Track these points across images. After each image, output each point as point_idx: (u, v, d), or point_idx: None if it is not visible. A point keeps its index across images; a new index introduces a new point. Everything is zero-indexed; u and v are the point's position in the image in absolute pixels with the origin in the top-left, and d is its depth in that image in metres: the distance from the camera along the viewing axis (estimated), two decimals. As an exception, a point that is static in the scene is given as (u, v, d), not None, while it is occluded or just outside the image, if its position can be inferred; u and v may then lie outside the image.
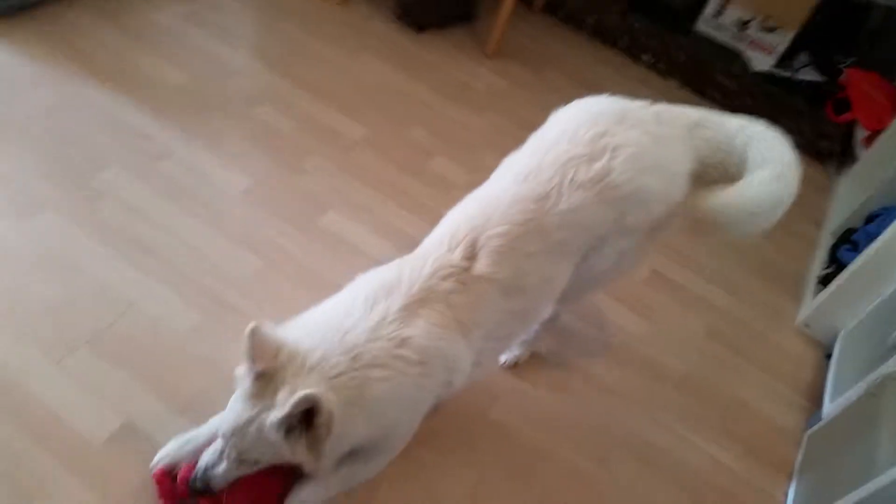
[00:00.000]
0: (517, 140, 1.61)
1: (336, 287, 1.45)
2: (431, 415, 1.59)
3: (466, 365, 1.49)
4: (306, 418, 1.25)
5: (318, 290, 1.47)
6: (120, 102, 2.27)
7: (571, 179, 1.45)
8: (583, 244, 1.52)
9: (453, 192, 1.61)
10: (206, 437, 1.53)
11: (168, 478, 1.47)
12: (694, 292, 2.36)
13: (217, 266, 1.93)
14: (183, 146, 2.21)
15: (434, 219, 1.56)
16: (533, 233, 1.45)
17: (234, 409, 1.32)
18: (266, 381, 1.28)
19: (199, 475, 1.41)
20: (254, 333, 1.26)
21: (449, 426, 1.77)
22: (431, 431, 1.69)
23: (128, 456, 1.53)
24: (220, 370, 1.70)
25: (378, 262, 1.50)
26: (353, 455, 1.56)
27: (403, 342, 1.36)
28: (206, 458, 1.42)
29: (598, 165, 1.45)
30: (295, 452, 1.29)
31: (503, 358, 1.94)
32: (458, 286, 1.43)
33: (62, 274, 1.80)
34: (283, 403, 1.23)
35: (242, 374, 1.32)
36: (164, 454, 1.52)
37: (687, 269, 2.43)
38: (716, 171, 1.65)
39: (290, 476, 1.50)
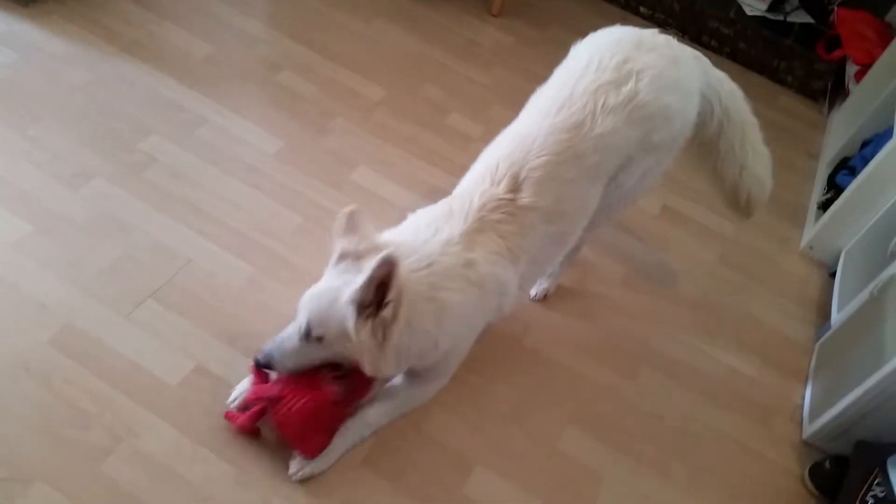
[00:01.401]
0: (526, 93, 1.73)
1: None
2: (476, 343, 1.74)
3: (514, 289, 1.64)
4: (378, 304, 1.37)
5: None
6: (152, 75, 2.39)
7: (603, 105, 1.57)
8: (614, 166, 1.66)
9: (470, 145, 1.74)
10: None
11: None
12: (703, 224, 2.51)
13: (262, 222, 2.06)
14: (215, 113, 2.33)
15: (454, 169, 1.69)
16: (570, 160, 1.58)
17: (316, 284, 1.47)
18: (351, 262, 1.42)
19: (265, 349, 1.53)
20: (351, 215, 1.42)
21: (489, 354, 1.92)
22: (475, 359, 1.84)
23: (202, 395, 1.67)
24: (279, 315, 1.84)
25: (408, 211, 1.63)
26: (411, 377, 1.72)
27: (469, 264, 1.49)
28: (278, 337, 1.53)
29: (625, 89, 1.58)
30: (360, 334, 1.39)
31: (533, 292, 2.08)
32: (507, 217, 1.56)
33: (119, 235, 1.93)
34: (364, 272, 1.34)
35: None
36: (240, 390, 1.66)
37: (695, 203, 2.57)
38: (706, 106, 1.80)
39: (345, 406, 1.62)
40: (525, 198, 1.56)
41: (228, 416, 1.62)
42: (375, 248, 1.43)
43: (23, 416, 1.55)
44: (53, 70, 2.31)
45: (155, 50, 2.48)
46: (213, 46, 2.57)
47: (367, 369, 1.47)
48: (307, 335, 1.48)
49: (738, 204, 1.95)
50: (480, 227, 1.54)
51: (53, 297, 1.76)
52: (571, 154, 1.58)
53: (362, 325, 1.40)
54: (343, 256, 1.46)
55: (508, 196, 1.56)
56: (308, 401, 1.52)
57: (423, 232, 1.54)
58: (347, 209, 1.43)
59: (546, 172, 1.57)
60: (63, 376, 1.63)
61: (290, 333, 1.52)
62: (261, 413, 1.58)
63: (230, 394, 1.66)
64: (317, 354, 1.52)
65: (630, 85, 1.60)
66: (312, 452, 1.57)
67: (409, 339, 1.46)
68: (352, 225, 1.45)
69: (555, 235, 1.65)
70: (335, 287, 1.43)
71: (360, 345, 1.42)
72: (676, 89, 1.68)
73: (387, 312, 1.38)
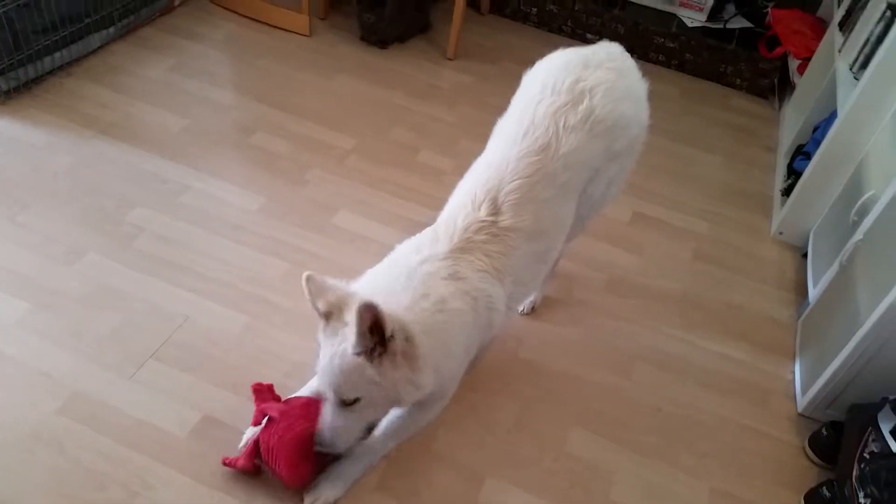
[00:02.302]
0: (490, 125, 1.83)
1: (359, 272, 1.63)
2: (473, 364, 1.80)
3: (503, 307, 1.69)
4: (380, 341, 1.41)
5: (346, 277, 1.58)
6: (131, 152, 2.49)
7: (564, 125, 1.66)
8: (583, 180, 1.75)
9: (443, 178, 1.84)
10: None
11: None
12: (675, 225, 2.61)
13: (251, 273, 2.14)
14: (196, 180, 2.42)
15: (431, 202, 1.78)
16: (542, 181, 1.66)
17: (320, 357, 1.49)
18: (336, 320, 1.45)
19: (322, 441, 1.54)
20: (309, 280, 1.44)
21: (488, 370, 1.98)
22: (474, 377, 1.91)
23: (212, 442, 1.72)
24: (278, 358, 1.92)
25: (391, 247, 1.69)
26: (414, 404, 1.76)
27: (460, 277, 1.56)
28: (324, 423, 1.55)
29: (581, 108, 1.68)
30: (383, 374, 1.43)
31: (521, 306, 2.16)
32: (491, 238, 1.63)
33: (116, 303, 2.00)
34: (350, 325, 1.39)
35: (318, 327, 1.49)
36: (248, 438, 1.69)
37: (664, 206, 2.67)
38: None
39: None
40: (506, 220, 1.64)
41: (227, 463, 1.65)
42: (350, 296, 1.47)
43: (41, 484, 1.59)
44: (36, 158, 2.40)
45: (132, 129, 2.60)
46: (187, 119, 2.68)
47: (412, 396, 1.53)
48: (344, 404, 1.51)
49: None
50: (466, 246, 1.61)
51: (58, 369, 1.81)
52: (543, 175, 1.66)
53: (381, 365, 1.44)
54: (327, 317, 1.48)
55: (490, 219, 1.64)
56: (306, 427, 1.57)
57: (407, 259, 1.61)
58: (303, 277, 1.45)
59: (522, 194, 1.65)
60: (75, 442, 1.67)
61: (330, 414, 1.54)
62: (255, 448, 1.62)
63: (241, 439, 1.70)
64: (366, 415, 1.56)
65: (585, 103, 1.70)
66: (298, 481, 1.60)
67: (431, 348, 1.51)
68: (315, 288, 1.47)
69: (538, 254, 1.73)
70: (337, 350, 1.45)
71: (392, 382, 1.46)
72: (629, 98, 1.79)
73: (396, 344, 1.43)
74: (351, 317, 1.40)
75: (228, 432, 1.73)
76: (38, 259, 2.07)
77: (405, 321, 1.45)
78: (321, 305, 1.47)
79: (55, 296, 1.99)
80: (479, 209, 1.65)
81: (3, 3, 2.50)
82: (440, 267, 1.57)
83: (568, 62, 1.79)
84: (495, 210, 1.64)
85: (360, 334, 1.39)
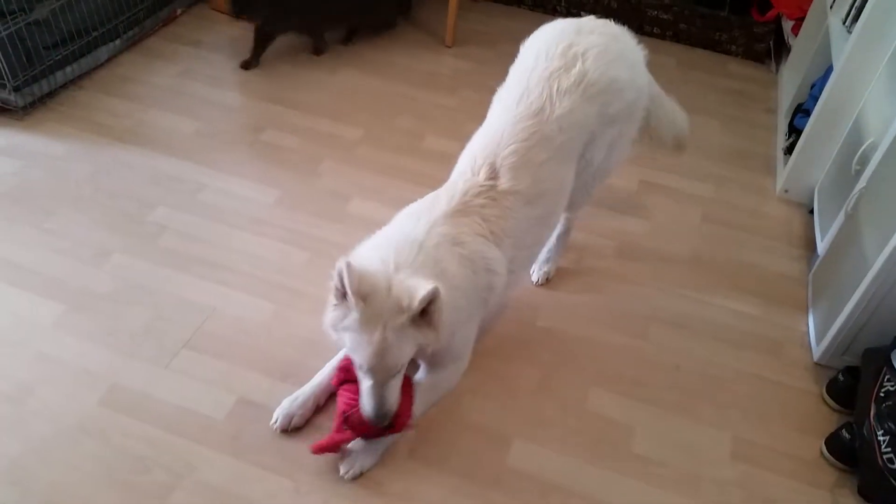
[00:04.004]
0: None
1: None
2: (483, 335, 1.86)
3: (503, 269, 1.75)
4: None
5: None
6: (148, 156, 2.57)
7: (558, 88, 1.73)
8: (580, 143, 1.81)
9: (450, 161, 1.88)
10: (312, 391, 1.80)
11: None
12: (681, 190, 2.66)
13: (274, 263, 2.21)
14: (212, 178, 2.50)
15: (440, 185, 1.82)
16: (538, 144, 1.73)
17: (360, 343, 1.50)
18: (370, 303, 1.47)
19: (374, 414, 1.57)
20: (349, 268, 1.45)
21: (506, 339, 2.05)
22: (494, 346, 1.98)
23: (249, 422, 1.79)
24: (305, 341, 1.99)
25: None
26: (432, 367, 1.82)
27: (456, 241, 1.63)
28: (366, 401, 1.57)
29: (574, 71, 1.74)
30: (425, 335, 1.51)
31: (535, 277, 2.21)
32: (489, 201, 1.70)
33: (145, 299, 2.07)
34: (410, 303, 1.44)
35: (342, 312, 1.52)
36: (280, 411, 1.78)
37: (669, 173, 2.72)
38: None
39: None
40: (504, 183, 1.71)
41: (318, 449, 1.68)
42: (378, 278, 1.51)
43: (90, 472, 1.66)
44: (57, 168, 2.49)
45: (146, 134, 2.67)
46: (198, 121, 2.76)
47: (431, 348, 1.59)
48: (389, 377, 1.56)
49: (676, 146, 2.26)
50: (464, 210, 1.68)
51: (96, 364, 1.89)
52: (539, 138, 1.73)
53: (419, 328, 1.51)
54: (363, 302, 1.49)
55: (489, 183, 1.71)
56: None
57: (406, 225, 1.67)
58: (342, 264, 1.46)
59: (519, 158, 1.72)
60: (118, 430, 1.75)
61: (377, 392, 1.56)
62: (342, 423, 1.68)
63: (273, 417, 1.77)
64: (399, 380, 1.61)
65: (578, 66, 1.77)
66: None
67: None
68: (354, 275, 1.48)
69: (537, 217, 1.79)
70: (383, 332, 1.48)
71: (426, 338, 1.54)
72: (622, 62, 1.85)
73: (433, 315, 1.50)
74: (407, 298, 1.46)
75: (263, 412, 1.79)
76: (69, 262, 2.15)
77: (439, 293, 1.48)
78: (362, 293, 1.47)
79: (88, 296, 2.06)
80: (478, 174, 1.71)
81: (15, 20, 2.58)
82: (441, 234, 1.62)
83: (562, 30, 1.85)
84: (494, 174, 1.71)
85: (416, 313, 1.46)
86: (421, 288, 1.45)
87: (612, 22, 1.92)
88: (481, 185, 1.70)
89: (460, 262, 1.63)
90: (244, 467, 1.69)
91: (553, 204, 1.84)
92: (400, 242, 1.60)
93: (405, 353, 1.54)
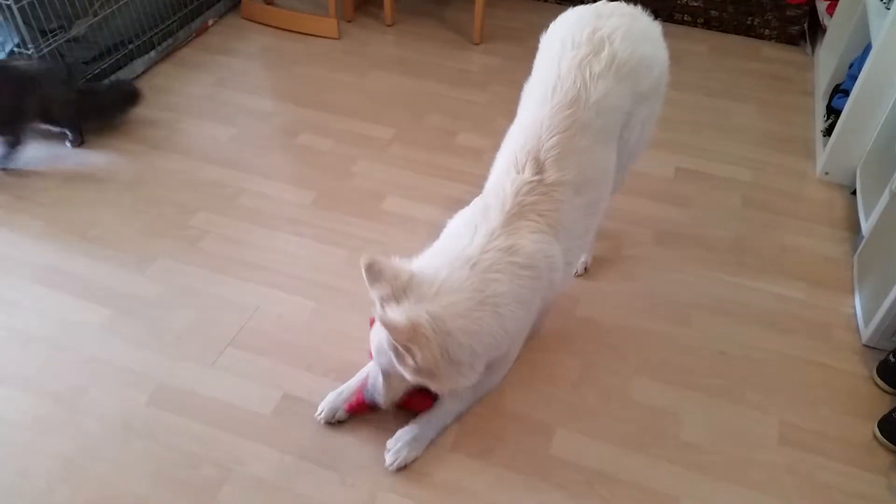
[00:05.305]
0: None
1: (413, 251, 1.69)
2: (534, 328, 1.87)
3: (561, 264, 1.75)
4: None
5: (401, 257, 1.65)
6: (186, 163, 2.63)
7: (590, 74, 1.72)
8: (618, 125, 1.79)
9: (483, 156, 1.90)
10: (357, 386, 1.82)
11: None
12: (719, 176, 2.62)
13: (313, 262, 2.24)
14: (250, 182, 2.54)
15: (473, 180, 1.84)
16: (580, 131, 1.70)
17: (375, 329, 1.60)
18: (392, 301, 1.52)
19: (367, 396, 1.71)
20: (369, 267, 1.51)
21: (547, 330, 2.04)
22: (534, 337, 1.97)
23: (295, 417, 1.81)
24: (346, 337, 2.01)
25: (439, 226, 1.76)
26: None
27: (512, 250, 1.61)
28: (369, 385, 1.71)
29: (604, 54, 1.73)
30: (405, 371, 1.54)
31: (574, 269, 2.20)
32: (541, 197, 1.67)
33: (189, 301, 2.11)
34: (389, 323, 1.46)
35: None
36: (325, 404, 1.80)
37: (706, 159, 2.69)
38: None
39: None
40: (551, 175, 1.68)
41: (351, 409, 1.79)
42: (407, 284, 1.54)
43: (140, 470, 1.70)
44: (98, 179, 2.55)
45: (183, 142, 2.73)
46: (233, 128, 2.81)
47: (440, 390, 1.65)
48: (387, 378, 1.65)
49: None
50: (519, 211, 1.66)
51: (143, 365, 1.93)
52: (578, 126, 1.71)
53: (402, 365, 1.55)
54: (384, 301, 1.54)
55: (536, 178, 1.68)
56: None
57: (461, 238, 1.65)
58: (362, 263, 1.52)
59: (563, 148, 1.69)
60: (166, 428, 1.78)
61: (375, 376, 1.68)
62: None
63: (318, 409, 1.80)
64: (402, 384, 1.66)
65: (607, 49, 1.75)
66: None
67: (472, 347, 1.57)
68: (373, 274, 1.53)
69: (587, 206, 1.77)
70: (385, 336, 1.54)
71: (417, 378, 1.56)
72: (646, 39, 1.84)
73: (409, 360, 1.51)
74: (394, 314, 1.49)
75: (307, 407, 1.82)
76: (114, 269, 2.21)
77: (426, 342, 1.49)
78: (379, 292, 1.53)
79: (133, 300, 2.11)
80: (524, 171, 1.69)
81: (55, 38, 2.66)
82: (493, 245, 1.61)
83: (581, 16, 1.84)
84: (539, 168, 1.69)
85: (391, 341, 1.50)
86: (400, 325, 1.46)
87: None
88: (529, 182, 1.68)
89: (517, 273, 1.62)
90: (291, 461, 1.72)
91: (600, 189, 1.82)
92: (453, 261, 1.60)
93: (395, 368, 1.58)
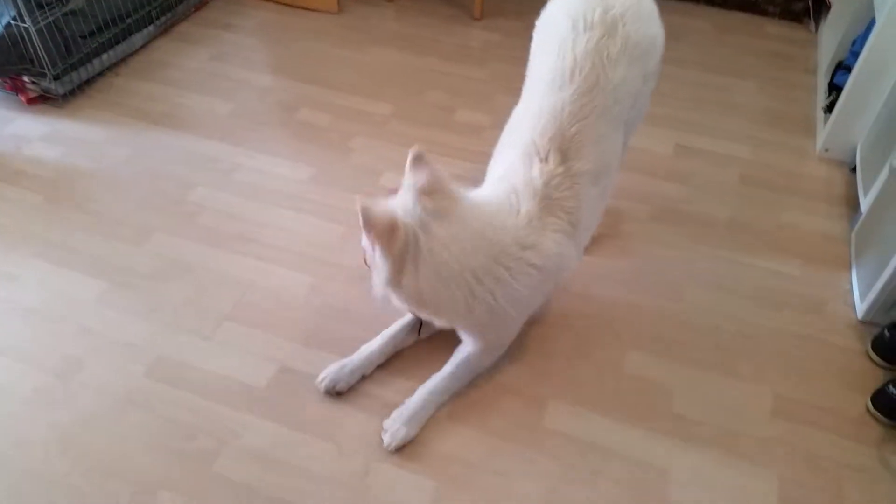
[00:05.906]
0: (522, 78, 1.87)
1: None
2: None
3: (573, 264, 1.74)
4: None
5: None
6: (184, 138, 2.62)
7: (608, 57, 1.68)
8: (628, 108, 1.77)
9: (483, 133, 1.86)
10: (360, 362, 1.83)
11: None
12: (718, 152, 2.61)
13: (310, 237, 2.24)
14: (247, 158, 2.54)
15: (472, 157, 1.81)
16: (599, 118, 1.67)
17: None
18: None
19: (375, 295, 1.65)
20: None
21: (543, 307, 2.04)
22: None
23: (291, 389, 1.82)
24: (341, 310, 2.01)
25: None
26: (476, 345, 1.81)
27: (532, 247, 1.60)
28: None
29: (618, 36, 1.69)
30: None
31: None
32: (568, 192, 1.64)
33: (186, 276, 2.12)
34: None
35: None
36: (327, 373, 1.81)
37: (706, 136, 2.67)
38: None
39: None
40: (575, 165, 1.65)
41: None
42: (442, 195, 1.54)
43: (138, 440, 1.72)
44: (97, 153, 2.55)
45: (182, 117, 2.73)
46: (232, 103, 2.80)
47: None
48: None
49: None
50: (548, 206, 1.63)
51: (140, 338, 1.94)
52: (598, 112, 1.67)
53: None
54: (407, 190, 1.55)
55: (562, 168, 1.64)
56: None
57: (495, 226, 1.59)
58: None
59: (585, 136, 1.65)
60: (163, 400, 1.80)
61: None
62: None
63: (319, 377, 1.81)
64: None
65: (620, 30, 1.71)
66: None
67: (438, 293, 1.56)
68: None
69: (600, 194, 1.75)
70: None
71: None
72: (651, 18, 1.81)
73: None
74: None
75: (304, 379, 1.83)
76: (111, 242, 2.21)
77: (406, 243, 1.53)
78: (371, 234, 1.56)
79: (129, 273, 2.12)
80: (548, 160, 1.64)
81: (53, 11, 2.65)
82: (521, 235, 1.60)
83: None
84: (564, 157, 1.65)
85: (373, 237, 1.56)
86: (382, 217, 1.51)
87: None
88: (556, 174, 1.64)
89: (526, 272, 1.61)
90: (287, 432, 1.73)
91: (612, 176, 1.79)
92: (488, 227, 1.57)
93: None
